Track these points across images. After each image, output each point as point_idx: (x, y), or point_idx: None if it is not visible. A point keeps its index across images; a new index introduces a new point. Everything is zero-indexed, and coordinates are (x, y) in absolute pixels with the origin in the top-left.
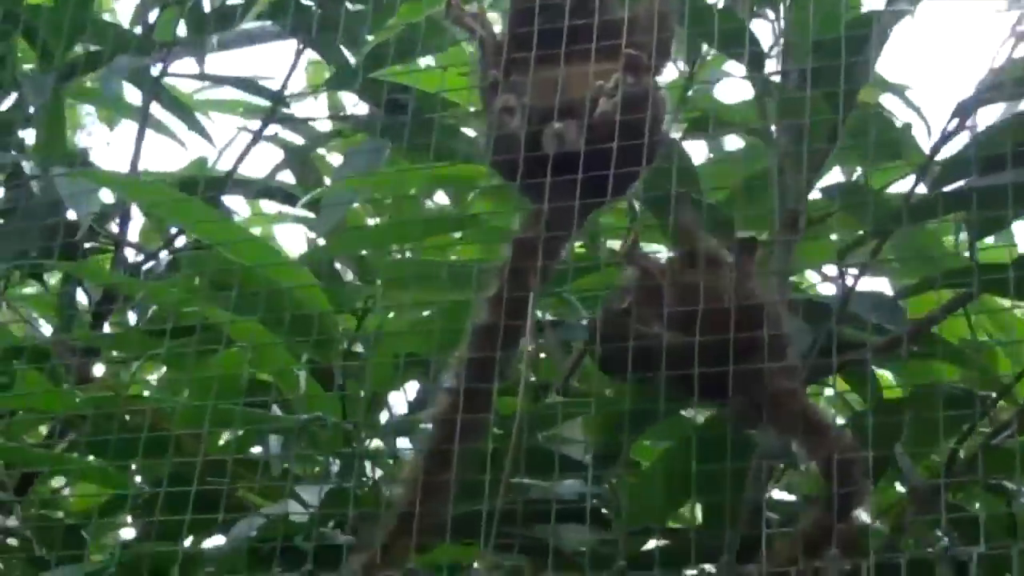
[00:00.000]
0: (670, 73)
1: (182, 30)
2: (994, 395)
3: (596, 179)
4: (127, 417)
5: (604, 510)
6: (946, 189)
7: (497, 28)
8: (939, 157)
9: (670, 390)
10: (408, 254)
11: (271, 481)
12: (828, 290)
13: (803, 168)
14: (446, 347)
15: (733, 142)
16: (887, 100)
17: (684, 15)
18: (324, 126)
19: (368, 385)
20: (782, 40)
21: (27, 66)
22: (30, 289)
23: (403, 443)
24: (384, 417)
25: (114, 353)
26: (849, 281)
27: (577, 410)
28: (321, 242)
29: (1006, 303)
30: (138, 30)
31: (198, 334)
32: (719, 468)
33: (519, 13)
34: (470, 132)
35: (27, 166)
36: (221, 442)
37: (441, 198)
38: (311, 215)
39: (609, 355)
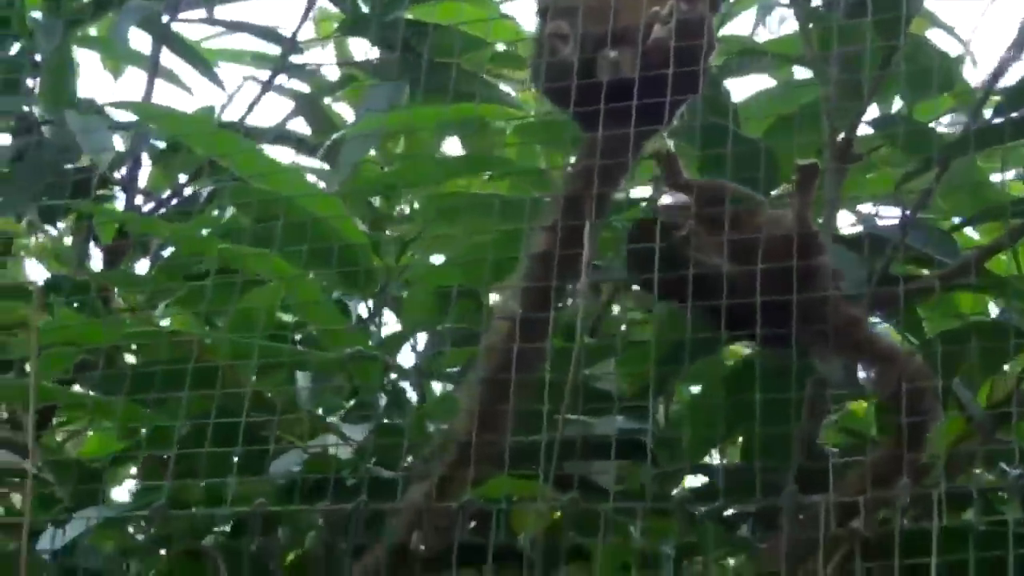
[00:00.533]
0: None
1: None
2: None
3: (649, 106)
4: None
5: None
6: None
7: None
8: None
9: (721, 320)
10: None
11: (311, 418)
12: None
13: (864, 94)
14: (491, 280)
15: (764, 82)
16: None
17: None
18: (332, 74)
19: (406, 320)
20: None
21: (35, 13)
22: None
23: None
24: (411, 357)
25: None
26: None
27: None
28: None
29: None
30: None
31: (237, 272)
32: (778, 398)
33: None
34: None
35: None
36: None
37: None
38: (325, 166)
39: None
